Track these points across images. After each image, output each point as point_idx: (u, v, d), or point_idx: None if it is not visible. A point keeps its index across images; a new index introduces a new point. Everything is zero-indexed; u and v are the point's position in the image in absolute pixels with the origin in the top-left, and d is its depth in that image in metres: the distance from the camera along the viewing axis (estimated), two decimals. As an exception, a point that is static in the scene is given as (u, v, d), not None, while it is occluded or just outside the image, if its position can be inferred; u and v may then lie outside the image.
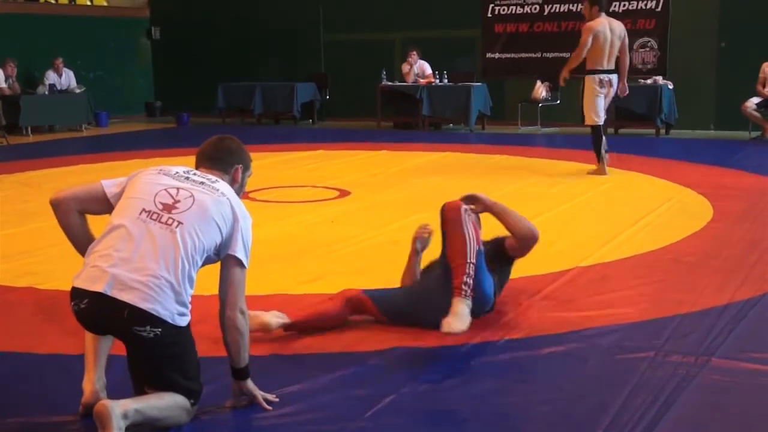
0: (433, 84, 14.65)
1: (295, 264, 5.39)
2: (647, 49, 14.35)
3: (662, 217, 6.82)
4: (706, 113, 14.05)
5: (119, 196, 3.21)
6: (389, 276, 5.06)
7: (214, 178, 3.25)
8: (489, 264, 4.17)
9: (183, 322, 3.05)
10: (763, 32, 13.39)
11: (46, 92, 15.18)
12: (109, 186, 3.25)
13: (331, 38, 16.51)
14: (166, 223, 3.05)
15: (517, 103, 14.60)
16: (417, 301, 4.11)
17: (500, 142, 11.17)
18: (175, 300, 3.00)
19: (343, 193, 8.11)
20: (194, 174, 3.26)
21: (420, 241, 4.59)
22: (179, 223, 3.05)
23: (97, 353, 3.28)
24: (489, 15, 14.56)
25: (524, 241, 4.40)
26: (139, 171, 3.28)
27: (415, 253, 4.58)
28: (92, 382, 3.24)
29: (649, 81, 13.61)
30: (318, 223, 6.72)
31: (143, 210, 3.08)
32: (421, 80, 14.85)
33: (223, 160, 3.35)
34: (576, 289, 4.82)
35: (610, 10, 14.35)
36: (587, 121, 9.26)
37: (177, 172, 3.23)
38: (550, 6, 14.92)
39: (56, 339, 4.09)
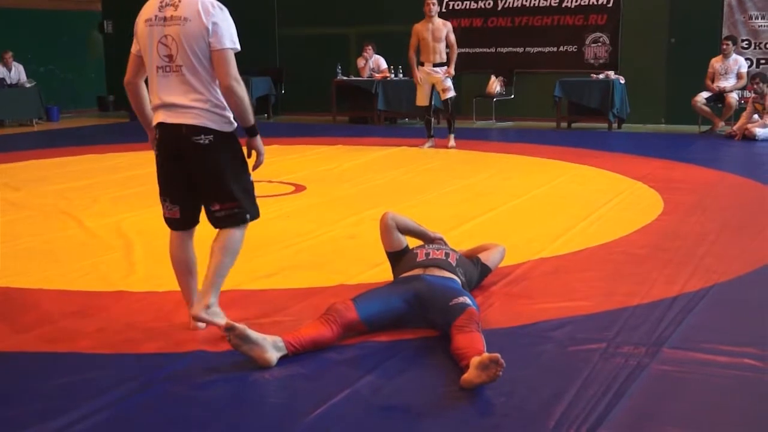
0: (389, 79, 14.67)
1: (250, 259, 5.37)
2: (599, 44, 14.48)
3: (614, 210, 6.89)
4: (657, 108, 14.23)
5: (139, 50, 4.01)
6: (345, 270, 5.08)
7: (177, 2, 3.83)
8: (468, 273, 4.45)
9: (229, 128, 3.92)
10: (711, 29, 13.60)
11: (-4, 86, 14.98)
12: (134, 48, 4.04)
13: (287, 32, 16.43)
14: (174, 71, 3.85)
15: (472, 98, 14.67)
16: (417, 300, 4.04)
17: (456, 136, 11.21)
18: (215, 113, 3.87)
19: (299, 188, 8.09)
20: (166, 7, 3.85)
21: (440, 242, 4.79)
22: (179, 66, 3.84)
23: (188, 289, 4.11)
24: (444, 10, 14.57)
25: (501, 257, 4.88)
26: (136, 24, 3.97)
27: (430, 235, 4.73)
28: (193, 305, 4.01)
29: (601, 76, 13.75)
30: (273, 219, 6.69)
31: (158, 67, 3.89)
32: (377, 75, 14.87)
33: None
34: (529, 283, 4.85)
35: (562, 5, 14.52)
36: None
37: (156, 16, 3.86)
38: (503, 1, 15.01)
39: (8, 336, 4.04)
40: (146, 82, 4.06)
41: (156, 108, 3.95)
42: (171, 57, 3.84)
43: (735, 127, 11.98)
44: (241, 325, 3.56)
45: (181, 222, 4.05)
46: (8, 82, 15.17)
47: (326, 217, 6.73)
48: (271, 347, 3.60)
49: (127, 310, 4.42)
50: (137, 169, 9.44)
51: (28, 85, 15.35)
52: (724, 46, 12.67)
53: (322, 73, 15.35)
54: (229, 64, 3.82)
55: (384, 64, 14.96)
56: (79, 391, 3.36)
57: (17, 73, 15.44)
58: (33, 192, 8.06)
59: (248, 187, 4.01)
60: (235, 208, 3.94)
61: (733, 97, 12.56)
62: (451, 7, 15.01)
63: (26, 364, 3.74)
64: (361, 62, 15.18)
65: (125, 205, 7.34)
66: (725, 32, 13.39)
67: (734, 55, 12.72)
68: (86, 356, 3.79)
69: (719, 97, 12.67)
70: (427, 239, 4.72)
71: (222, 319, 3.84)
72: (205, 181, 3.94)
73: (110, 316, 4.33)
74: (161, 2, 3.87)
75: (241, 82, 3.87)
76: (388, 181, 8.59)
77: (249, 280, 4.93)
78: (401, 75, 14.60)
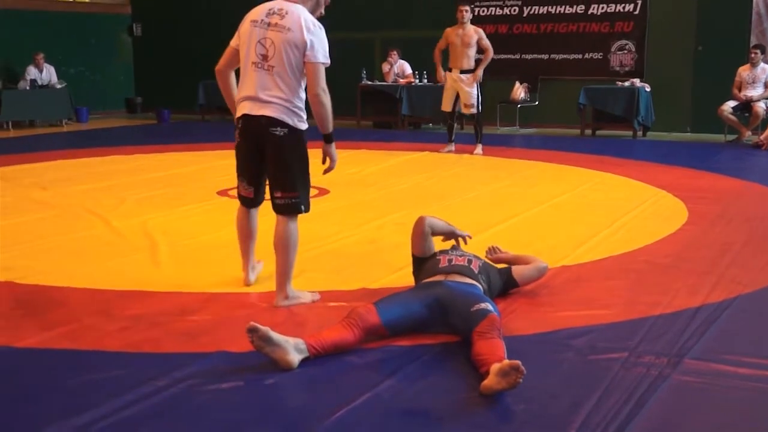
0: (413, 84, 14.68)
1: (273, 261, 5.38)
2: (625, 51, 14.42)
3: (638, 219, 6.85)
4: (683, 116, 14.15)
5: (238, 44, 4.50)
6: (367, 274, 5.08)
7: (287, 9, 4.35)
8: (492, 281, 4.46)
9: (302, 126, 4.43)
10: (739, 37, 13.50)
11: (27, 87, 15.10)
12: (233, 41, 4.54)
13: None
14: (266, 69, 4.36)
15: (496, 104, 14.64)
16: (439, 305, 4.03)
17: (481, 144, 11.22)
18: (292, 111, 4.38)
19: (323, 192, 8.10)
20: (272, 15, 4.37)
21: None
22: (271, 66, 4.34)
23: (247, 252, 4.82)
24: (471, 15, 14.55)
25: (538, 276, 4.80)
26: (242, 23, 4.48)
27: (458, 233, 4.78)
28: (246, 270, 4.84)
29: (626, 83, 13.68)
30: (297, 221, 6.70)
31: (252, 63, 4.39)
32: (401, 80, 14.87)
33: None
34: (551, 290, 4.83)
35: (588, 12, 14.48)
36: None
37: (262, 20, 4.38)
38: (528, 8, 14.98)
39: (35, 333, 4.07)
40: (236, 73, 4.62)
41: (242, 99, 4.46)
42: (266, 57, 4.36)
43: (762, 137, 11.88)
44: (264, 327, 3.57)
45: (253, 201, 4.70)
46: (39, 83, 15.30)
47: (349, 221, 6.74)
48: (293, 349, 3.61)
49: (151, 310, 4.44)
50: (163, 171, 9.51)
51: (58, 87, 15.48)
52: (752, 55, 12.56)
53: (347, 77, 15.34)
54: (319, 75, 4.34)
55: (408, 69, 14.96)
56: (103, 389, 3.38)
57: (48, 74, 15.57)
58: (61, 191, 8.13)
59: (307, 183, 4.55)
60: (294, 198, 4.47)
61: (761, 107, 12.44)
62: (477, 13, 14.97)
63: (52, 361, 3.77)
64: (385, 67, 15.20)
65: (151, 205, 7.38)
66: (753, 40, 13.28)
67: (762, 64, 12.59)
68: (111, 354, 3.81)
69: (746, 106, 12.57)
70: (455, 236, 4.74)
71: (307, 297, 4.60)
72: (273, 170, 4.47)
73: (135, 315, 4.36)
74: (270, 9, 4.42)
75: (327, 93, 4.38)
76: (411, 186, 8.59)
77: (272, 283, 4.93)
78: (425, 80, 14.61)
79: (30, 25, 16.20)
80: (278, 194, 4.48)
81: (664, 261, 5.50)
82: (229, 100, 4.69)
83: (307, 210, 4.57)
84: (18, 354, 3.83)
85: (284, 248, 4.52)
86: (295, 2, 4.43)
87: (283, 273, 4.53)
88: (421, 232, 4.57)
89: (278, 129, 4.36)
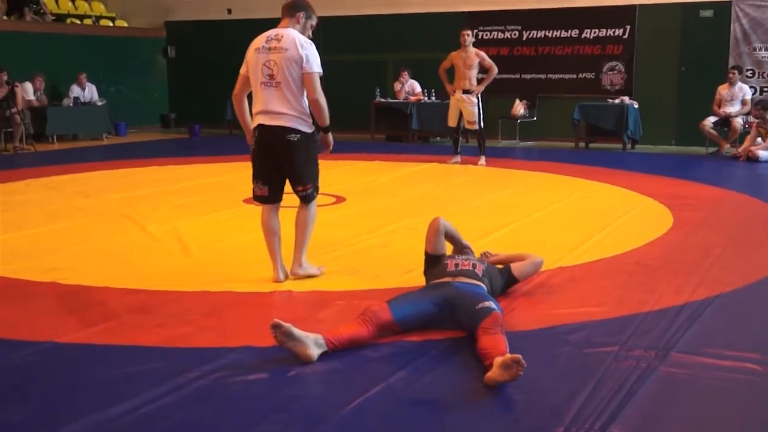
0: (422, 101, 14.66)
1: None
2: (615, 71, 14.38)
3: (627, 224, 6.82)
4: (668, 130, 14.10)
5: (247, 71, 4.89)
6: (380, 276, 5.07)
7: (282, 33, 4.78)
8: (494, 282, 4.45)
9: (309, 130, 4.84)
10: (718, 59, 13.47)
11: (71, 104, 15.14)
12: (243, 69, 4.92)
13: (330, 59, 16.44)
14: (274, 86, 4.76)
15: (498, 119, 14.61)
16: (447, 304, 4.00)
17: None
18: (301, 119, 4.79)
19: (340, 200, 8.10)
20: (271, 40, 4.78)
21: (469, 249, 4.82)
22: (278, 83, 4.75)
23: (274, 251, 4.97)
24: (474, 39, 14.56)
25: (534, 270, 4.83)
26: (247, 52, 4.86)
27: (464, 243, 4.79)
28: (276, 270, 4.96)
29: (616, 101, 13.63)
30: (316, 227, 6.69)
31: (261, 83, 4.79)
32: (412, 97, 14.86)
33: (291, 10, 4.91)
34: (548, 289, 4.81)
35: (582, 36, 14.47)
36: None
37: (263, 46, 4.79)
38: (528, 32, 14.96)
39: (77, 330, 4.07)
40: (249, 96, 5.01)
41: (257, 113, 4.85)
42: (272, 76, 4.76)
43: (740, 149, 11.83)
44: (286, 324, 3.57)
45: (268, 198, 4.97)
46: (82, 101, 15.35)
47: (364, 226, 6.73)
48: (313, 344, 3.60)
49: (183, 308, 4.44)
50: (194, 180, 9.53)
51: (99, 104, 15.52)
52: (731, 75, 12.52)
53: (362, 95, 15.37)
54: (315, 83, 4.77)
55: (418, 88, 14.95)
56: (139, 381, 3.38)
57: (90, 92, 15.61)
58: (101, 200, 8.14)
59: (317, 174, 5.01)
60: (309, 189, 4.95)
61: (738, 122, 12.40)
62: (480, 37, 14.96)
63: (93, 355, 3.77)
64: (397, 86, 15.19)
65: (183, 212, 7.39)
66: (731, 62, 13.23)
67: (739, 83, 12.56)
68: (147, 349, 3.81)
69: (725, 121, 12.52)
70: (460, 245, 4.75)
71: (315, 270, 5.04)
72: (291, 169, 4.89)
73: (168, 312, 4.36)
74: (268, 37, 4.82)
75: (323, 96, 4.80)
76: (421, 195, 8.58)
77: (294, 283, 4.94)
78: (434, 98, 14.59)
79: (74, 48, 16.26)
80: (299, 188, 4.93)
81: (651, 263, 5.47)
82: (241, 120, 5.07)
83: (317, 194, 5.05)
84: (61, 349, 3.84)
85: (303, 226, 5.00)
86: (286, 27, 4.86)
87: (300, 247, 4.99)
88: (435, 230, 4.59)
89: (292, 135, 4.77)
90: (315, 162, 4.97)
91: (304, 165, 4.88)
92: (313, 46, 4.82)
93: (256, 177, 4.95)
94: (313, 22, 5.00)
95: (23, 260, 5.53)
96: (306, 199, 4.99)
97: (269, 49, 4.77)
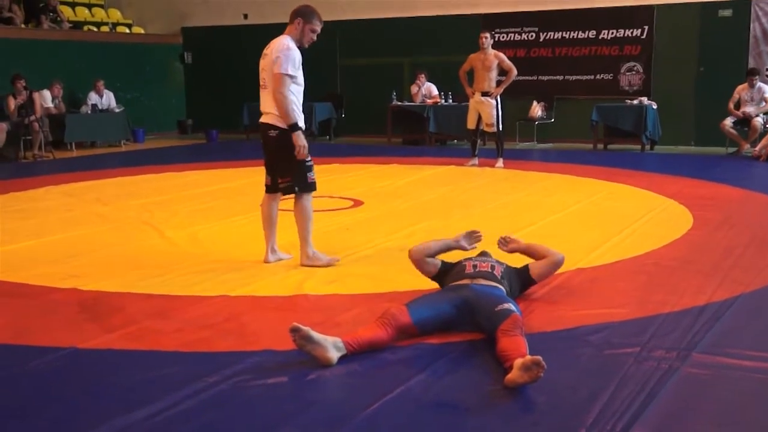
0: (439, 104, 14.66)
1: (313, 268, 5.40)
2: (633, 72, 14.33)
3: (647, 226, 6.80)
4: (687, 131, 14.03)
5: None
6: (398, 278, 5.08)
7: (275, 40, 5.26)
8: (512, 284, 4.42)
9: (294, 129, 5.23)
10: (737, 58, 13.40)
11: (89, 111, 15.23)
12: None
13: (347, 62, 16.53)
14: (265, 88, 5.29)
15: (515, 122, 14.59)
16: (466, 305, 3.99)
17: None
18: (279, 116, 5.21)
19: (357, 203, 8.12)
20: (266, 48, 5.31)
21: (466, 240, 4.79)
22: (266, 85, 5.27)
23: (267, 236, 5.51)
24: (492, 41, 14.56)
25: (554, 269, 4.70)
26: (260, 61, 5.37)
27: (455, 243, 4.75)
28: (266, 252, 5.52)
29: (635, 101, 13.58)
30: (334, 230, 6.72)
31: (261, 86, 5.32)
32: (428, 100, 14.86)
33: (291, 17, 5.29)
34: (568, 291, 4.81)
35: (599, 37, 14.43)
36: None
37: (263, 53, 5.30)
38: (545, 34, 14.93)
39: (97, 335, 4.10)
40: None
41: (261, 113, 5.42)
42: (264, 79, 5.30)
43: (757, 149, 11.75)
44: (305, 327, 3.58)
45: (270, 187, 5.50)
46: (99, 108, 15.43)
47: (381, 230, 6.74)
48: (332, 347, 3.61)
49: (202, 312, 4.46)
50: (211, 186, 9.57)
51: (116, 110, 15.60)
52: (752, 80, 12.41)
53: (378, 98, 15.38)
54: (280, 82, 5.15)
55: (435, 91, 14.95)
56: (160, 385, 3.40)
57: (108, 99, 15.70)
58: (120, 206, 8.19)
59: (302, 169, 5.30)
60: (289, 182, 5.36)
61: (759, 121, 12.33)
62: (498, 39, 14.93)
63: (113, 360, 3.79)
64: (414, 89, 15.19)
65: (201, 217, 7.42)
66: (750, 62, 13.17)
67: (759, 84, 12.49)
68: (166, 354, 3.84)
69: (745, 121, 12.46)
70: (453, 246, 4.73)
71: (324, 260, 5.41)
72: (272, 162, 5.42)
73: (187, 317, 4.38)
74: (266, 47, 5.32)
75: (286, 95, 5.16)
76: (438, 197, 8.58)
77: (312, 286, 4.96)
78: (450, 100, 14.59)
79: (91, 55, 16.36)
80: (279, 180, 5.44)
81: (671, 263, 5.45)
82: None
83: (302, 190, 5.36)
84: (82, 354, 3.86)
85: (299, 221, 5.42)
86: (286, 34, 5.30)
87: (302, 238, 5.41)
88: (415, 262, 4.63)
89: (272, 131, 5.30)
90: (293, 158, 5.25)
91: (282, 159, 5.31)
92: (291, 51, 5.21)
93: (265, 167, 5.53)
94: (314, 26, 5.29)
95: (43, 267, 5.58)
96: (284, 191, 5.45)
97: (264, 55, 5.33)
